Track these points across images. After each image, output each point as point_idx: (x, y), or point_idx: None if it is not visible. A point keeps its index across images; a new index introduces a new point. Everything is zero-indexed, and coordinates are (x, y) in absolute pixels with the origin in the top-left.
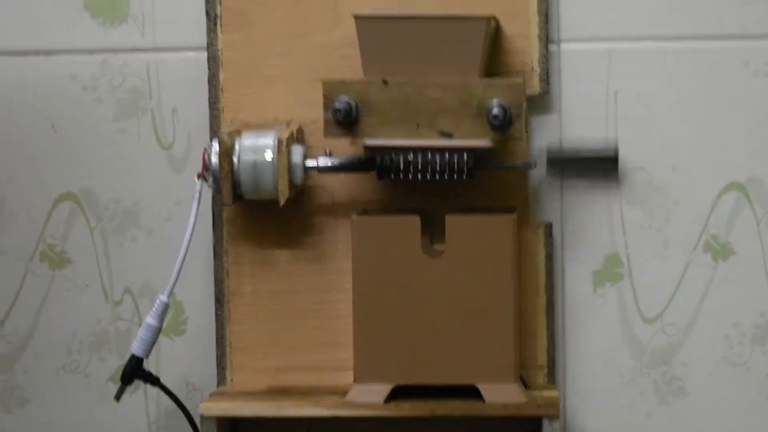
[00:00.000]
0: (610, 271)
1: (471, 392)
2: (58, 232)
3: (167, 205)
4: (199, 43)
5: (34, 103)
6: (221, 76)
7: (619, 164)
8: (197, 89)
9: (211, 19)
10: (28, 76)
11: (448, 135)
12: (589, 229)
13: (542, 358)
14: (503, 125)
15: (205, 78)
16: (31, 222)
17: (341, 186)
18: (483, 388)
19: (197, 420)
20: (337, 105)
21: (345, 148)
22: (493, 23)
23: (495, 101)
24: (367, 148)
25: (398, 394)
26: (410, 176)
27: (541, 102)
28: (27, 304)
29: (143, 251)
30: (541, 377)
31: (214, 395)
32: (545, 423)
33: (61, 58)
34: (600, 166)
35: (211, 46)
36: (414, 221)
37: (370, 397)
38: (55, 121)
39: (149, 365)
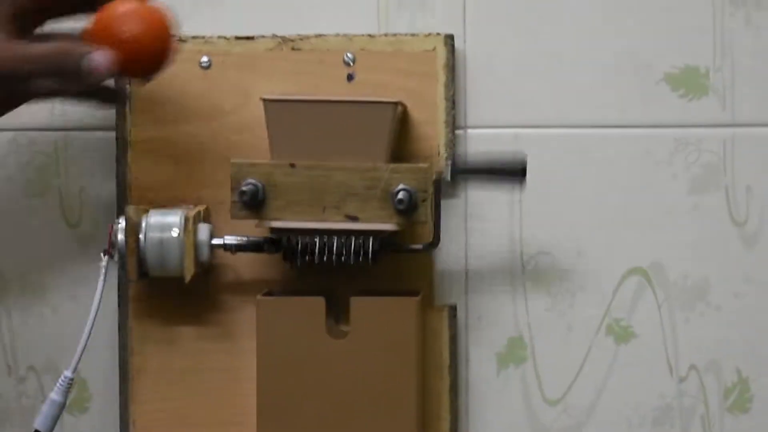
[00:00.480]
0: (514, 353)
1: None
2: None
3: (74, 283)
4: (108, 123)
5: None
6: (129, 156)
7: (526, 176)
8: (105, 169)
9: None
10: None
11: (353, 218)
12: (493, 311)
13: None
14: (408, 209)
15: (114, 158)
16: None
17: (247, 265)
18: None
19: None
20: (244, 188)
21: (252, 229)
22: (400, 109)
23: (401, 186)
24: (272, 230)
25: None
26: (316, 259)
27: (447, 185)
28: None
29: (50, 329)
30: None
31: None
32: None
33: None
34: (507, 177)
35: (119, 126)
36: (319, 303)
37: None
38: None
39: None
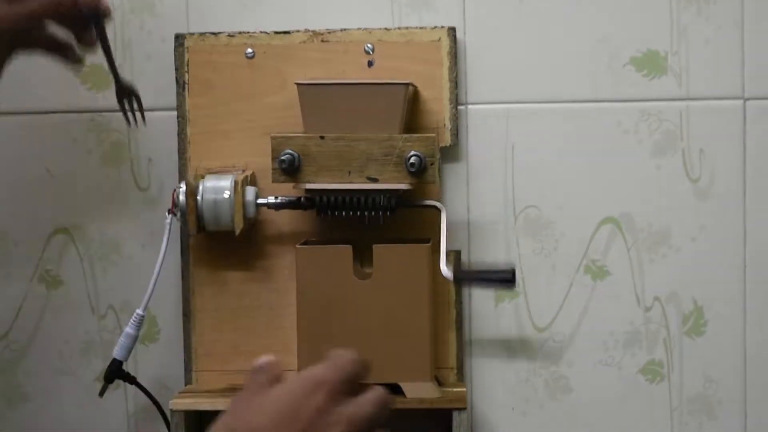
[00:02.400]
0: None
1: (395, 389)
2: (53, 259)
3: (144, 236)
4: (170, 105)
5: (35, 153)
6: (188, 131)
7: (516, 281)
8: (169, 142)
9: (180, 84)
10: (30, 132)
11: (374, 180)
12: (491, 255)
13: (452, 361)
14: (419, 171)
15: (176, 133)
16: (31, 250)
17: (287, 220)
18: (404, 386)
19: (168, 413)
20: (282, 157)
21: (290, 190)
22: (411, 89)
23: (412, 152)
24: (307, 191)
25: None
26: (343, 213)
27: (451, 152)
28: (27, 318)
29: (124, 274)
30: (452, 377)
31: (182, 393)
32: (455, 414)
33: (56, 116)
34: (499, 282)
35: (180, 107)
36: (347, 250)
37: None
38: (50, 167)
39: (128, 368)
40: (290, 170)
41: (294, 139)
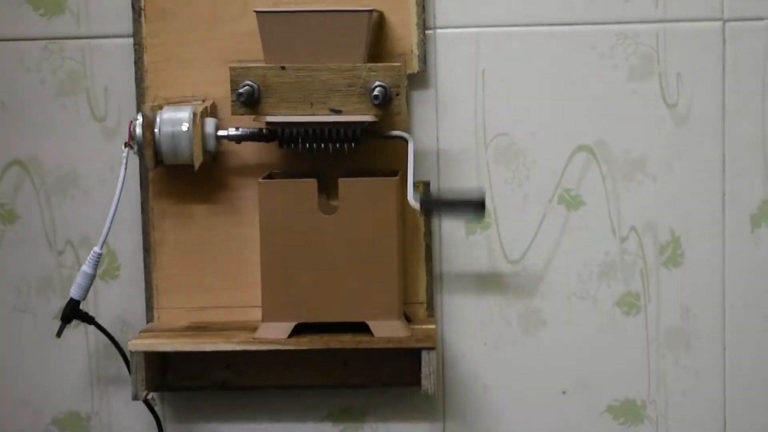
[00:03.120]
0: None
1: (363, 328)
2: (8, 192)
3: (102, 169)
4: (126, 31)
5: None
6: (145, 59)
7: (486, 209)
8: (126, 71)
9: (136, 11)
10: None
11: (337, 111)
12: (461, 184)
13: (422, 295)
14: (384, 103)
15: (132, 61)
16: None
17: (250, 151)
18: (372, 325)
19: (128, 354)
20: (241, 89)
21: (252, 121)
22: (376, 15)
23: (377, 83)
24: (268, 123)
25: (301, 330)
26: (306, 145)
27: (419, 79)
28: None
29: (82, 209)
30: (422, 312)
31: (143, 333)
32: (423, 354)
33: (8, 44)
34: (468, 209)
35: (136, 34)
36: (311, 184)
37: (275, 333)
38: (4, 98)
39: (88, 305)
40: (250, 102)
41: (253, 70)
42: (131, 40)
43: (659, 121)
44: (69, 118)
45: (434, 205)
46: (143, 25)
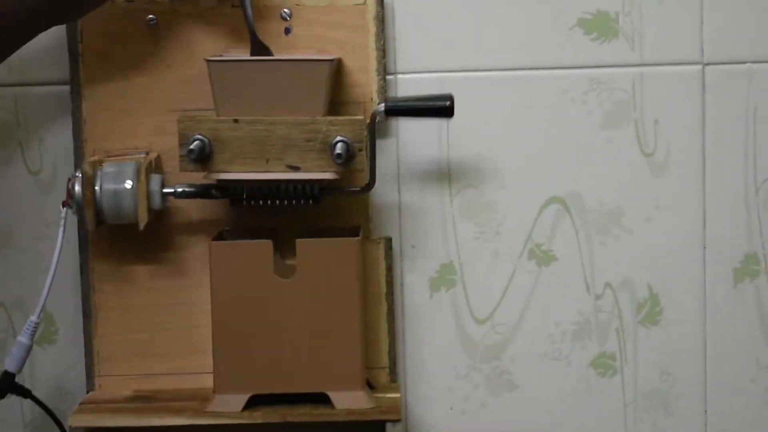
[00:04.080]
0: (445, 277)
1: (323, 399)
2: None
3: (38, 226)
4: (63, 78)
5: None
6: (84, 108)
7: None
8: (63, 120)
9: (74, 57)
10: None
11: (295, 168)
12: (425, 240)
13: (384, 359)
14: (346, 159)
15: (69, 109)
16: None
17: (198, 207)
18: (333, 396)
19: (67, 429)
20: (191, 146)
21: (201, 176)
22: (334, 62)
23: (338, 137)
24: (219, 181)
25: (256, 402)
26: (261, 203)
27: (380, 127)
28: None
29: (16, 268)
30: (384, 376)
31: (83, 404)
32: (388, 426)
33: None
34: (435, 112)
35: (73, 80)
36: (266, 246)
37: (228, 406)
38: None
39: (24, 372)
40: (200, 158)
41: (204, 122)
42: (68, 87)
43: (636, 171)
44: (1, 171)
45: (399, 107)
46: (81, 71)
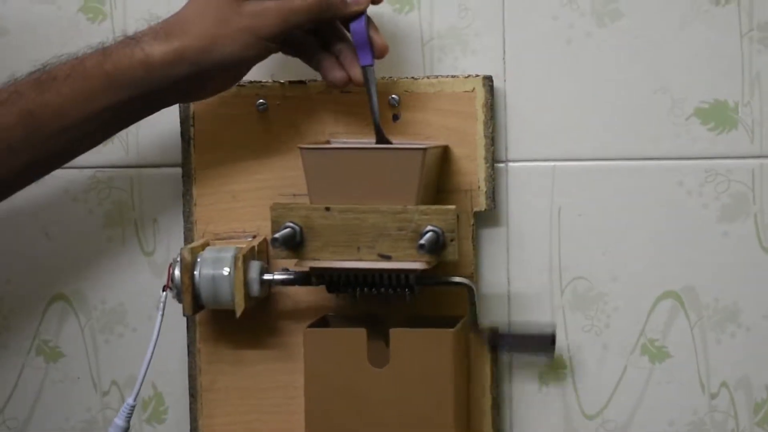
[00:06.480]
0: (554, 371)
1: None
2: (51, 328)
3: (150, 307)
4: (175, 161)
5: (30, 213)
6: (194, 191)
7: (556, 344)
8: (175, 202)
9: (185, 139)
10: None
11: (386, 257)
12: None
13: None
14: (435, 249)
15: (181, 192)
16: (28, 319)
17: (303, 293)
18: None
19: None
20: (277, 234)
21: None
22: (435, 152)
23: (429, 227)
24: (311, 269)
25: None
26: (357, 291)
27: (488, 217)
28: (25, 392)
29: (128, 347)
30: None
31: None
32: None
33: (55, 172)
34: (538, 345)
35: (185, 164)
36: (360, 334)
37: None
38: (48, 229)
39: None
40: (291, 245)
41: (296, 210)
42: (180, 170)
43: (754, 267)
44: (115, 252)
45: (501, 339)
46: (192, 154)
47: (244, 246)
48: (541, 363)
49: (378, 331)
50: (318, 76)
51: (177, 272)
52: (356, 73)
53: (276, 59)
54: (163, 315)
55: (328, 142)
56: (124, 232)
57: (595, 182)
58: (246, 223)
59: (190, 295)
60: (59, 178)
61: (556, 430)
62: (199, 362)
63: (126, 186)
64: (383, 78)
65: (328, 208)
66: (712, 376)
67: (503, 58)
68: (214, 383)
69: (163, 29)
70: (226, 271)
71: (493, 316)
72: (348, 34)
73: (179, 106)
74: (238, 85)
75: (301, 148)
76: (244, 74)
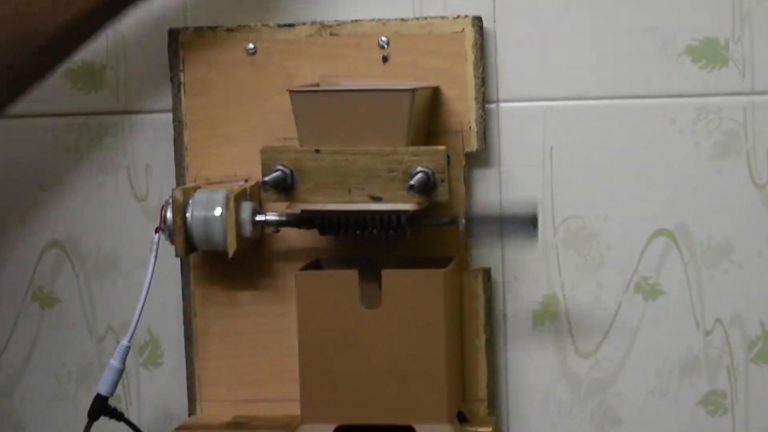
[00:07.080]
0: (548, 310)
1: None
2: (46, 275)
3: (143, 251)
4: (166, 107)
5: (24, 163)
6: (185, 137)
7: (538, 226)
8: (167, 148)
9: (176, 85)
10: (16, 137)
11: (377, 199)
12: (528, 271)
13: (482, 392)
14: (426, 189)
15: (173, 138)
16: (23, 266)
17: (296, 236)
18: (418, 428)
19: None
20: (266, 178)
21: None
22: (424, 92)
23: (419, 168)
24: (302, 211)
25: None
26: (349, 233)
27: (479, 157)
28: (21, 339)
29: (123, 292)
30: (482, 409)
31: (177, 430)
32: None
33: (45, 121)
34: (518, 227)
35: (176, 109)
36: (352, 275)
37: None
38: (42, 179)
39: (130, 394)
40: (282, 188)
41: (286, 153)
42: (171, 115)
43: (746, 203)
44: (109, 198)
45: (477, 221)
46: (183, 100)
47: (237, 187)
48: (537, 292)
49: (371, 273)
50: (307, 19)
51: (169, 214)
52: None
53: (266, 1)
54: (156, 257)
55: (317, 85)
56: (117, 178)
57: (587, 122)
58: (238, 168)
59: (182, 236)
60: (50, 128)
61: (551, 370)
62: (194, 305)
63: (117, 133)
64: (372, 20)
65: (317, 151)
66: (706, 313)
67: None
68: (209, 326)
69: None
70: (218, 211)
71: (486, 256)
72: None
73: (168, 51)
74: (227, 29)
75: (290, 91)
76: None
